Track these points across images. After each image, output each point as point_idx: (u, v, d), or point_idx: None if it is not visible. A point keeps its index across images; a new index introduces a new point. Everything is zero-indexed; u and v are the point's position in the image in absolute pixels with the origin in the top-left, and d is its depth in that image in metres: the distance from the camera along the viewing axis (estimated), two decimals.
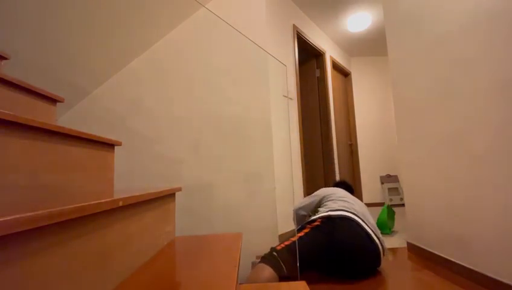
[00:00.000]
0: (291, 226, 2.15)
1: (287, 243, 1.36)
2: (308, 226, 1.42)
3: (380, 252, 1.37)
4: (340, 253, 1.31)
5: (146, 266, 0.70)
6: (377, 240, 1.37)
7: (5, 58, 1.03)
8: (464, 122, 1.31)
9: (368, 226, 1.39)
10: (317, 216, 1.47)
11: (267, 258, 1.29)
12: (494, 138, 1.15)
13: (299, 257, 1.28)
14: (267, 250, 1.67)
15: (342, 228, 1.34)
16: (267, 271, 1.22)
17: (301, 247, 1.30)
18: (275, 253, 1.30)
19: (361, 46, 3.95)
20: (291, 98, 2.51)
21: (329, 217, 1.41)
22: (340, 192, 1.65)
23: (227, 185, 1.75)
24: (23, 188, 0.62)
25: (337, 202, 1.54)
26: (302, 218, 1.74)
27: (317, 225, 1.39)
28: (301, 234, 1.38)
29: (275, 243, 1.57)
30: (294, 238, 1.36)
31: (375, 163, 4.12)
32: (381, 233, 1.96)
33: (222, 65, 1.87)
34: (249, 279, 1.23)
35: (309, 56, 3.41)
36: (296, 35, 2.73)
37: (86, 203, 0.47)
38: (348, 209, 1.44)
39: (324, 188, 1.76)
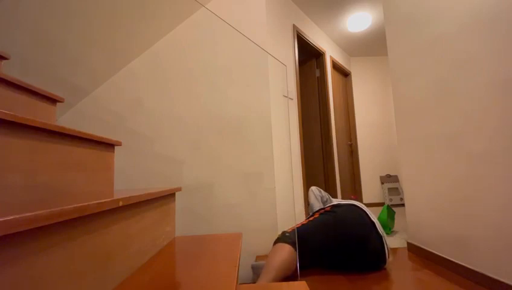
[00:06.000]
0: (291, 225, 2.15)
1: (298, 225, 1.44)
2: (317, 213, 1.52)
3: (384, 245, 1.40)
4: (347, 238, 1.36)
5: (146, 266, 0.70)
6: (381, 233, 1.41)
7: (5, 58, 1.02)
8: (464, 121, 1.31)
9: (374, 219, 1.45)
10: (326, 205, 1.57)
11: (282, 239, 1.35)
12: (494, 138, 1.15)
13: (308, 241, 1.35)
14: (267, 250, 1.68)
15: (349, 213, 1.43)
16: (287, 248, 1.28)
17: (310, 231, 1.39)
18: (287, 234, 1.37)
19: (361, 46, 3.95)
20: (291, 98, 2.51)
21: (338, 205, 1.51)
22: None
23: (227, 185, 1.75)
24: (23, 188, 0.62)
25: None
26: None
27: (326, 211, 1.49)
28: (311, 219, 1.48)
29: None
30: (305, 221, 1.46)
31: (375, 163, 4.12)
32: None
33: (222, 65, 1.87)
34: (269, 258, 1.27)
35: (309, 56, 3.41)
36: (296, 35, 2.73)
37: (86, 203, 0.47)
38: (356, 202, 1.54)
39: None
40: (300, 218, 2.44)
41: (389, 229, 2.27)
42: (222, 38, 1.89)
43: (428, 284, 1.24)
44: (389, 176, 4.09)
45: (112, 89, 1.85)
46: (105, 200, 0.53)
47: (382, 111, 4.24)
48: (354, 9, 3.03)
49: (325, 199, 1.67)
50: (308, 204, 1.70)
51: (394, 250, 1.80)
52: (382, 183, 4.04)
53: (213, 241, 0.97)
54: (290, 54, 2.60)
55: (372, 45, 3.93)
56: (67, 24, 1.41)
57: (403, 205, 3.93)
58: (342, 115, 3.82)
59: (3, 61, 1.05)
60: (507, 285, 1.08)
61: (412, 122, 1.71)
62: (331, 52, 3.62)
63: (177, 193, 1.09)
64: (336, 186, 3.26)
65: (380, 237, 1.39)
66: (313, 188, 1.72)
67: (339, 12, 3.06)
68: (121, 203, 0.59)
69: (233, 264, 0.69)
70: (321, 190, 1.71)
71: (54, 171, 0.72)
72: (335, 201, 1.62)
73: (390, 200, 3.89)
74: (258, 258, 1.62)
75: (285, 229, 1.52)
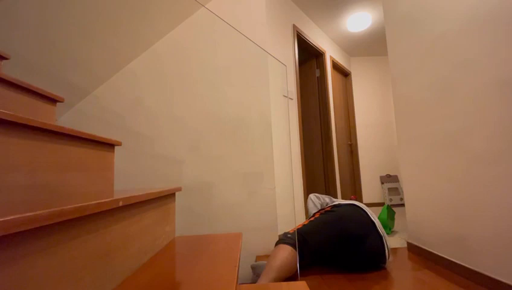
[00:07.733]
0: (291, 225, 2.15)
1: (299, 226, 1.45)
2: (317, 213, 1.55)
3: (384, 245, 1.40)
4: (347, 237, 1.37)
5: (146, 266, 0.70)
6: (381, 233, 1.42)
7: (5, 58, 1.02)
8: (464, 121, 1.31)
9: (374, 218, 1.46)
10: (327, 205, 1.60)
11: (284, 239, 1.37)
12: (494, 138, 1.15)
13: (309, 241, 1.36)
14: (267, 250, 1.69)
15: (349, 212, 1.45)
16: (288, 249, 1.30)
17: (311, 231, 1.40)
18: (289, 235, 1.39)
19: (361, 46, 3.95)
20: (291, 98, 2.51)
21: (339, 205, 1.53)
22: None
23: (227, 185, 1.75)
24: (23, 188, 0.62)
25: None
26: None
27: (326, 210, 1.52)
28: (312, 219, 1.50)
29: (274, 243, 1.57)
30: (306, 222, 1.48)
31: (375, 163, 4.12)
32: None
33: (222, 65, 1.87)
34: (270, 258, 1.28)
35: (309, 56, 3.41)
36: (296, 35, 2.73)
37: (86, 203, 0.47)
38: (357, 202, 1.56)
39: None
40: (300, 218, 2.44)
41: (389, 229, 2.27)
42: (222, 38, 1.89)
43: (428, 284, 1.24)
44: (389, 176, 4.09)
45: (112, 89, 1.85)
46: (105, 200, 0.53)
47: (382, 111, 4.24)
48: (354, 9, 3.03)
49: (324, 204, 1.67)
50: (307, 211, 1.71)
51: (394, 250, 1.80)
52: (382, 183, 4.04)
53: (213, 241, 0.97)
54: (290, 54, 2.60)
55: (372, 45, 3.93)
56: (68, 24, 1.41)
57: (403, 205, 3.93)
58: (342, 115, 3.82)
59: (3, 61, 1.05)
60: (507, 285, 1.08)
61: (412, 122, 1.71)
62: (331, 52, 3.62)
63: (177, 193, 1.09)
64: (335, 186, 3.26)
65: (381, 237, 1.40)
66: (311, 195, 1.72)
67: (339, 12, 3.06)
68: (121, 203, 0.59)
69: (233, 264, 0.69)
70: (319, 196, 1.71)
71: (54, 171, 0.72)
72: (336, 201, 1.62)
73: (390, 200, 3.89)
74: (258, 258, 1.62)
75: (286, 230, 1.52)
